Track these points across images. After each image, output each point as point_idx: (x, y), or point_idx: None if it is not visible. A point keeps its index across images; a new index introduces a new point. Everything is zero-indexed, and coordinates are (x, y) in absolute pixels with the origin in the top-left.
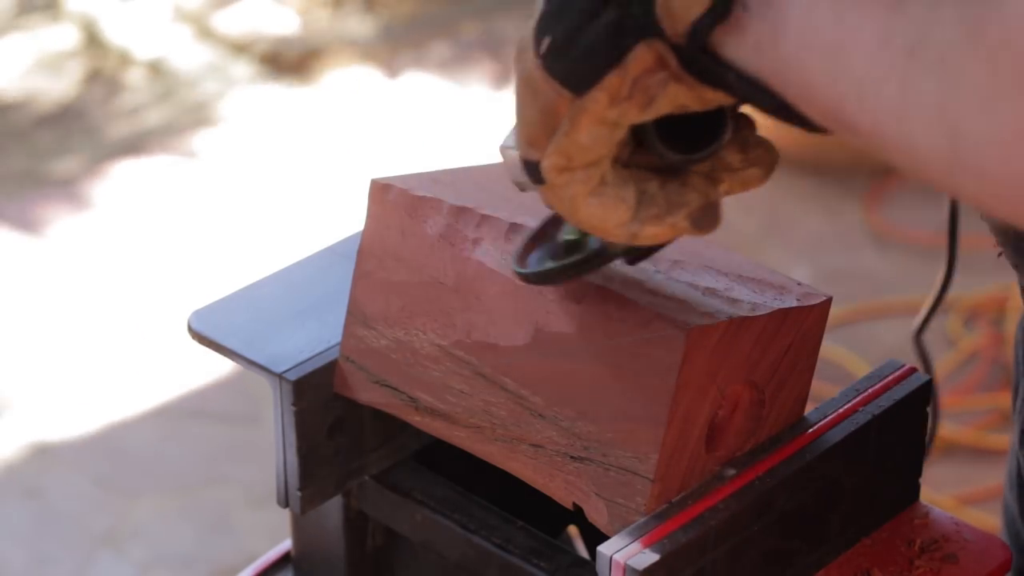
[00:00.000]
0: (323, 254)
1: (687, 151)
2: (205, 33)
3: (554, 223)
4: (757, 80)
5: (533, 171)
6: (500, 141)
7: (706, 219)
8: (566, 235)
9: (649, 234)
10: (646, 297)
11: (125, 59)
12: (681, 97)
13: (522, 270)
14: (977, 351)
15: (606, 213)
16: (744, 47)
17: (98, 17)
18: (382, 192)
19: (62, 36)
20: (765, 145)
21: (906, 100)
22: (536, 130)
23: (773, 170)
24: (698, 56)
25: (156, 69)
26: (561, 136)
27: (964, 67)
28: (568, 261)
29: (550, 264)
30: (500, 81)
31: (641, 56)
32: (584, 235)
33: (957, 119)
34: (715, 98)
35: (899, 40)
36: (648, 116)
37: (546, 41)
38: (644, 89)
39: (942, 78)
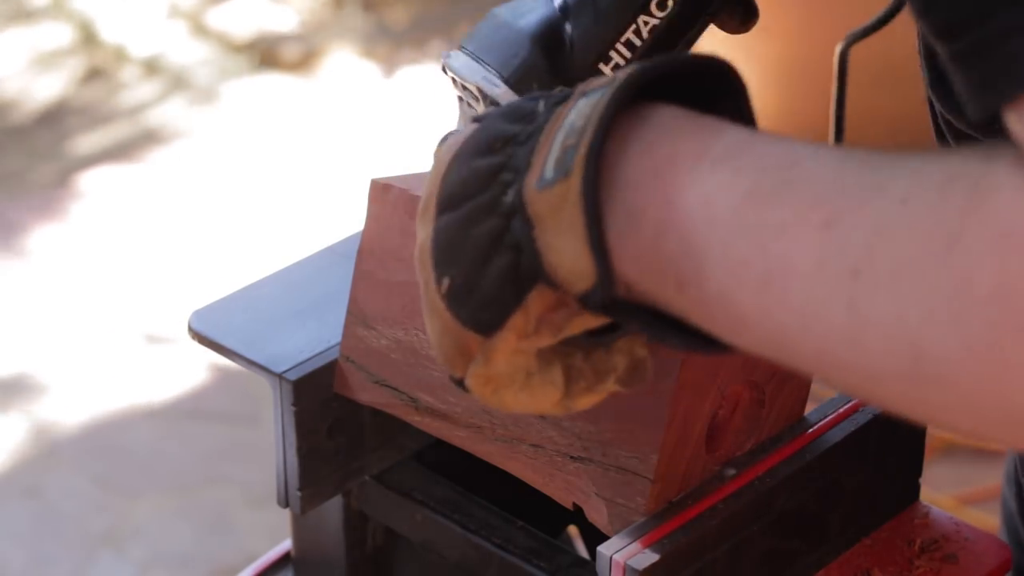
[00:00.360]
0: (323, 254)
1: (607, 330)
2: (204, 32)
3: None
4: (670, 319)
5: (457, 383)
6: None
7: (635, 378)
8: None
9: (582, 404)
10: None
11: (122, 57)
12: (591, 322)
13: None
14: None
15: (537, 401)
16: (660, 292)
17: (95, 15)
18: (382, 192)
19: (58, 34)
20: None
21: (857, 321)
22: (452, 355)
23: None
24: (602, 312)
25: (153, 68)
26: (478, 366)
27: (925, 282)
28: None
29: None
30: None
31: (540, 298)
32: None
33: (919, 335)
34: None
35: (838, 262)
36: (562, 338)
37: (445, 282)
38: (549, 324)
39: (897, 295)
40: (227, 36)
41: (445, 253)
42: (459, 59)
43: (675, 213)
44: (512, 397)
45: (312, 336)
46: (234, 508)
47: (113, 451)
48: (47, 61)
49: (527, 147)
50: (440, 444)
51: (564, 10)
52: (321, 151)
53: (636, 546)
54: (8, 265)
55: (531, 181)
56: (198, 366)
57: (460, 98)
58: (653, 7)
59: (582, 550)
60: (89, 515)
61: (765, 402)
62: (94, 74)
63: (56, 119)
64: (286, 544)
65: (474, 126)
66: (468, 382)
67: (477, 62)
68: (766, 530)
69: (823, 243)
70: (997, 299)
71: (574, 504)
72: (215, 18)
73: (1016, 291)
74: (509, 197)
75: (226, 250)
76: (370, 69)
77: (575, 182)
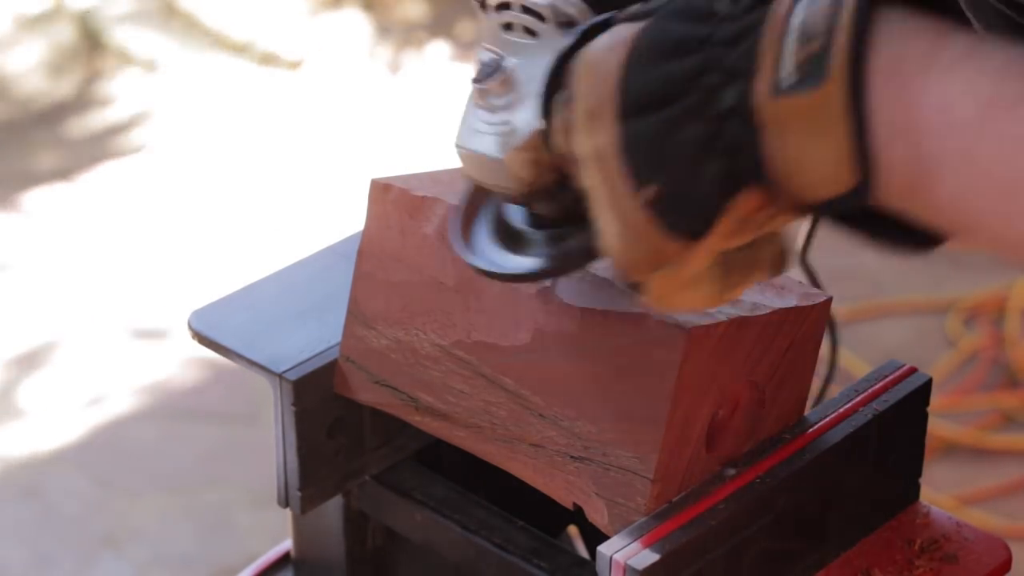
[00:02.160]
0: (323, 254)
1: None
2: (204, 32)
3: (480, 195)
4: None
5: (634, 287)
6: (455, 139)
7: (780, 266)
8: (514, 223)
9: (736, 295)
10: None
11: (122, 57)
12: (789, 220)
13: (481, 265)
14: (977, 351)
15: (699, 297)
16: (886, 194)
17: (96, 16)
18: (382, 192)
19: (59, 34)
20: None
21: None
22: (641, 264)
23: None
24: (832, 219)
25: (153, 67)
26: (671, 270)
27: None
28: (546, 268)
29: (510, 266)
30: None
31: (748, 200)
32: (532, 227)
33: None
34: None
35: None
36: (756, 237)
37: (649, 190)
38: (752, 224)
39: None
40: (227, 36)
41: (645, 159)
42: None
43: (912, 115)
44: (679, 295)
45: (312, 336)
46: (234, 508)
47: (113, 451)
48: (46, 61)
49: (738, 49)
50: (440, 444)
51: None
52: (321, 151)
53: (636, 546)
54: (8, 264)
55: (761, 86)
56: (198, 366)
57: (505, 24)
58: None
59: (582, 550)
60: (89, 515)
61: (765, 402)
62: (94, 73)
63: (56, 118)
64: (286, 544)
65: (631, 28)
66: (651, 286)
67: None
68: (766, 530)
69: None
70: None
71: (574, 504)
72: (215, 18)
73: None
74: (726, 101)
75: (226, 250)
76: (370, 69)
77: (835, 90)
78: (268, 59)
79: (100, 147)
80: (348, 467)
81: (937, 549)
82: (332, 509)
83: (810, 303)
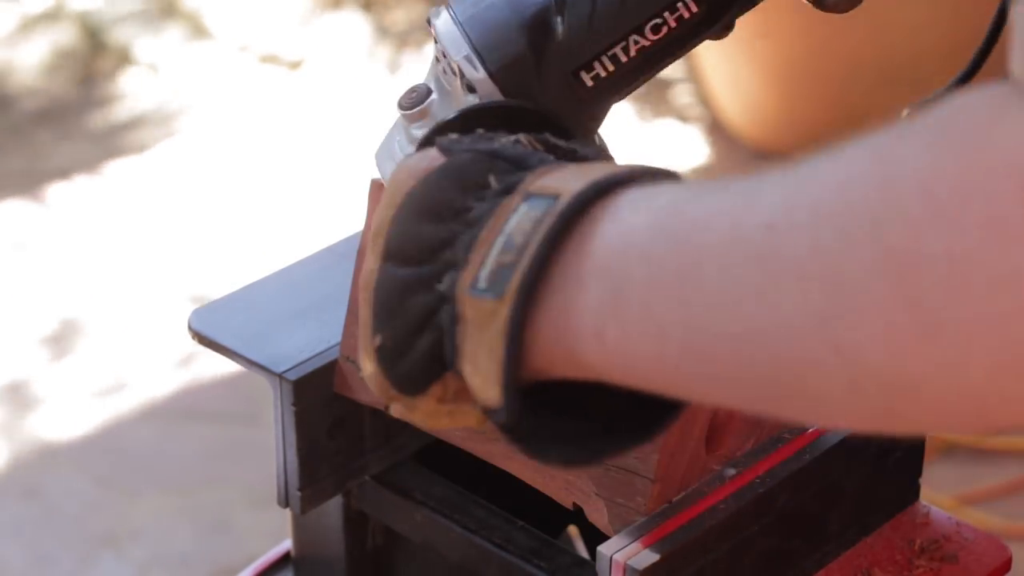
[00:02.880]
0: (323, 254)
1: None
2: (204, 32)
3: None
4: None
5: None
6: (374, 153)
7: None
8: None
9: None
10: None
11: (122, 56)
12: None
13: None
14: None
15: (460, 423)
16: (576, 361)
17: (96, 16)
18: (382, 192)
19: (61, 34)
20: None
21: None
22: (381, 395)
23: None
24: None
25: (153, 67)
26: (400, 408)
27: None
28: None
29: None
30: None
31: (456, 380)
32: None
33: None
34: None
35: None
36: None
37: (377, 339)
38: (467, 397)
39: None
40: (227, 36)
41: (382, 310)
42: (446, 24)
43: (587, 263)
44: (436, 422)
45: (312, 336)
46: (234, 508)
47: (113, 451)
48: (50, 61)
49: (470, 234)
50: (440, 444)
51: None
52: (321, 151)
53: (636, 546)
54: (8, 264)
55: (465, 281)
56: (198, 366)
57: (436, 58)
58: (648, 30)
59: (582, 550)
60: (89, 515)
61: None
62: (94, 73)
63: (58, 119)
64: (286, 544)
65: (432, 160)
66: (392, 410)
67: (463, 36)
68: (766, 530)
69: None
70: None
71: (574, 504)
72: (215, 18)
73: None
74: (444, 285)
75: (226, 250)
76: (370, 69)
77: (504, 311)
78: (268, 59)
79: (100, 147)
80: (348, 467)
81: (937, 549)
82: (332, 509)
83: None
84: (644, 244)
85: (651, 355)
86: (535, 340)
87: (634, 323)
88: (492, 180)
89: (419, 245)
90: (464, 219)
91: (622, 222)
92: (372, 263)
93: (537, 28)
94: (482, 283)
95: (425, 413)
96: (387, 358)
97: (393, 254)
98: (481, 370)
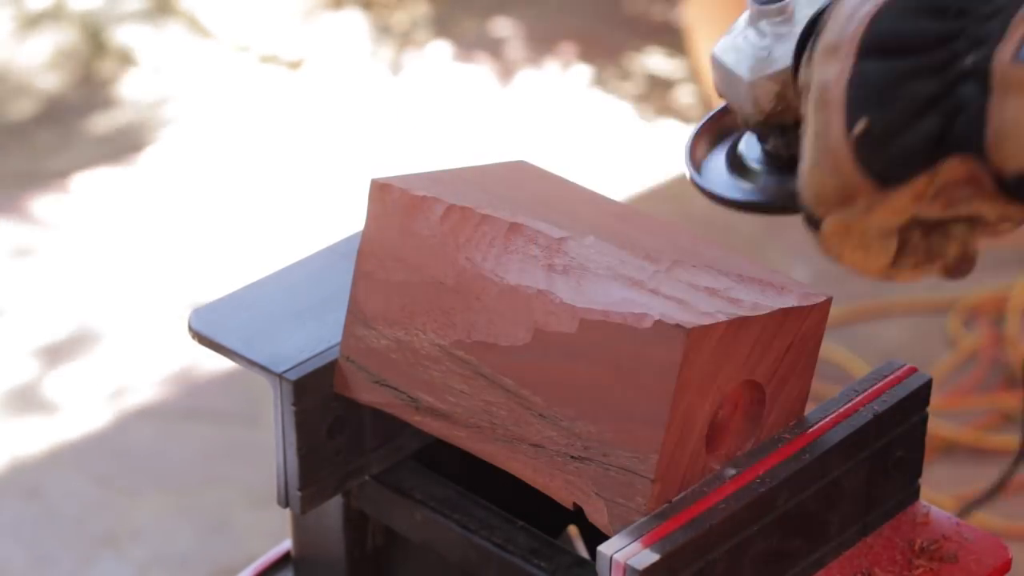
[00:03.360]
0: (323, 254)
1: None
2: (204, 32)
3: (725, 113)
4: None
5: (812, 222)
6: (713, 47)
7: (961, 269)
8: (747, 158)
9: (903, 278)
10: (646, 297)
11: (122, 56)
12: (984, 210)
13: (702, 182)
14: (977, 351)
15: (869, 262)
16: None
17: (97, 17)
18: (382, 192)
19: (61, 35)
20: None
21: None
22: (829, 197)
23: (1022, 224)
24: None
25: (153, 67)
26: (852, 214)
27: None
28: (755, 201)
29: (737, 191)
30: (500, 80)
31: (954, 168)
32: (766, 164)
33: None
34: (1020, 215)
35: None
36: (945, 216)
37: (861, 123)
38: (949, 197)
39: None
40: (227, 36)
41: (869, 96)
42: None
43: None
44: (850, 252)
45: (312, 336)
46: (234, 508)
47: (113, 451)
48: (50, 62)
49: (992, 23)
50: (440, 444)
51: None
52: (321, 151)
53: (636, 546)
54: (8, 264)
55: (1005, 52)
56: (198, 366)
57: (758, 13)
58: None
59: (582, 550)
60: (89, 515)
61: (765, 402)
62: (94, 73)
63: (58, 120)
64: (286, 544)
65: None
66: (827, 224)
67: None
68: (766, 530)
69: None
70: None
71: (574, 504)
72: (215, 18)
73: None
74: (968, 62)
75: (226, 250)
76: (370, 69)
77: None
78: (268, 59)
79: (100, 148)
80: (348, 467)
81: (937, 549)
82: (332, 509)
83: (810, 303)
84: None
85: None
86: None
87: None
88: None
89: (921, 35)
90: (976, 14)
91: None
92: (832, 69)
93: None
94: None
95: (889, 212)
96: (873, 143)
97: (881, 48)
98: None
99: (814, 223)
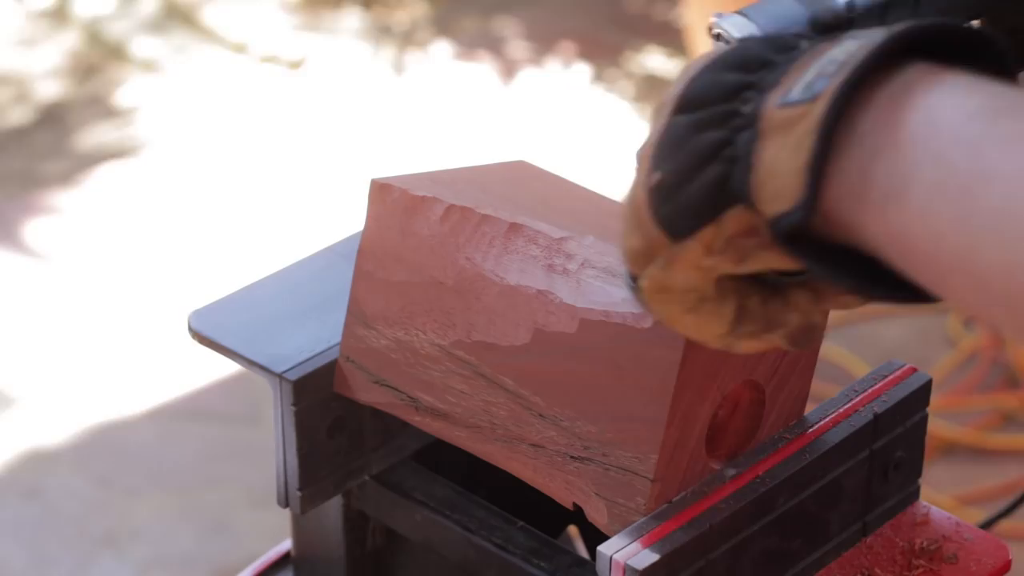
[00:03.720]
0: (323, 254)
1: (792, 273)
2: (204, 33)
3: None
4: (854, 253)
5: (631, 281)
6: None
7: (804, 339)
8: None
9: (744, 348)
10: None
11: (122, 56)
12: (773, 261)
13: None
14: (977, 351)
15: (701, 328)
16: (859, 217)
17: (98, 17)
18: (382, 192)
19: (62, 35)
20: None
21: None
22: (636, 252)
23: (873, 300)
24: (782, 242)
25: (153, 67)
26: (656, 269)
27: None
28: None
29: None
30: (501, 80)
31: (736, 219)
32: None
33: None
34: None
35: None
36: (742, 271)
37: (656, 175)
38: (737, 249)
39: None
40: (227, 36)
41: (666, 149)
42: (732, 19)
43: (896, 132)
44: (680, 316)
45: (312, 336)
46: (234, 508)
47: (113, 451)
48: (48, 61)
49: (783, 67)
50: (440, 444)
51: (850, 8)
52: (321, 151)
53: (636, 546)
54: (9, 264)
55: (774, 98)
56: (198, 366)
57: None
58: None
59: (582, 550)
60: (89, 515)
61: (765, 402)
62: (94, 74)
63: (56, 119)
64: (286, 544)
65: (735, 45)
66: (642, 283)
67: (750, 23)
68: (766, 530)
69: None
70: None
71: (574, 504)
72: (215, 18)
73: None
74: (747, 109)
75: (226, 250)
76: (371, 69)
77: (819, 106)
78: (268, 59)
79: (101, 148)
80: (348, 467)
81: (937, 549)
82: (332, 509)
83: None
84: (944, 143)
85: (924, 251)
86: (840, 149)
87: (914, 216)
88: (805, 44)
89: (720, 87)
90: (774, 66)
91: (931, 108)
92: (653, 128)
93: (826, 26)
94: (795, 94)
95: (686, 267)
96: (663, 194)
97: (687, 103)
98: (782, 166)
99: (633, 284)
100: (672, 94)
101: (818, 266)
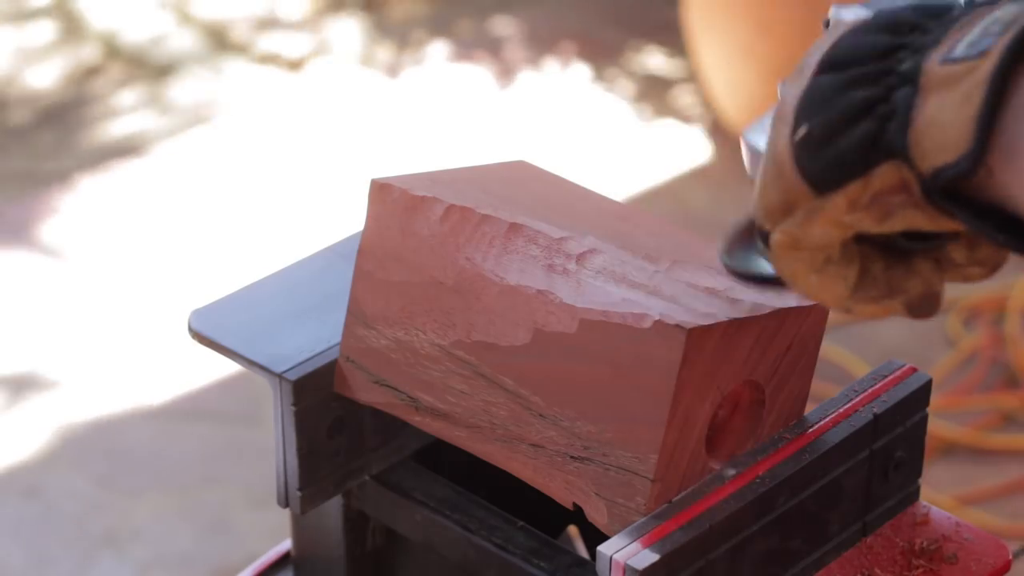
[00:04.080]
0: (323, 254)
1: (920, 238)
2: (206, 33)
3: None
4: (1004, 215)
5: (763, 237)
6: (745, 129)
7: (923, 307)
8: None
9: (863, 312)
10: (646, 297)
11: (122, 56)
12: (917, 220)
13: (729, 263)
14: (977, 351)
15: (824, 289)
16: (997, 186)
17: (95, 15)
18: (382, 192)
19: (62, 36)
20: (993, 247)
21: None
22: (773, 206)
23: (997, 271)
24: (938, 196)
25: (153, 67)
26: (794, 223)
27: None
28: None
29: (755, 268)
30: (500, 80)
31: (886, 174)
32: None
33: None
34: (953, 226)
35: None
36: (882, 229)
37: (802, 129)
38: (882, 205)
39: None
40: (227, 36)
41: (814, 104)
42: (852, 9)
43: None
44: (804, 274)
45: (312, 336)
46: (234, 508)
47: (113, 451)
48: (50, 63)
49: (937, 32)
50: (440, 444)
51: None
52: (321, 151)
53: (636, 546)
54: (9, 264)
55: (936, 55)
56: (198, 366)
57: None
58: None
59: (582, 550)
60: (89, 515)
61: (765, 402)
62: (94, 75)
63: (57, 121)
64: (286, 544)
65: (878, 12)
66: (775, 237)
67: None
68: (766, 530)
69: None
70: None
71: (574, 504)
72: (215, 19)
73: None
74: (904, 66)
75: (226, 250)
76: (370, 69)
77: (989, 61)
78: (268, 59)
79: (100, 149)
80: (348, 467)
81: (937, 549)
82: (332, 509)
83: (810, 303)
84: None
85: None
86: (1005, 105)
87: None
88: (956, 11)
89: (872, 47)
90: (927, 29)
91: None
92: (793, 89)
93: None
94: (959, 51)
95: (826, 222)
96: (810, 147)
97: (834, 62)
98: (948, 119)
99: (765, 238)
100: (810, 60)
101: (974, 220)
